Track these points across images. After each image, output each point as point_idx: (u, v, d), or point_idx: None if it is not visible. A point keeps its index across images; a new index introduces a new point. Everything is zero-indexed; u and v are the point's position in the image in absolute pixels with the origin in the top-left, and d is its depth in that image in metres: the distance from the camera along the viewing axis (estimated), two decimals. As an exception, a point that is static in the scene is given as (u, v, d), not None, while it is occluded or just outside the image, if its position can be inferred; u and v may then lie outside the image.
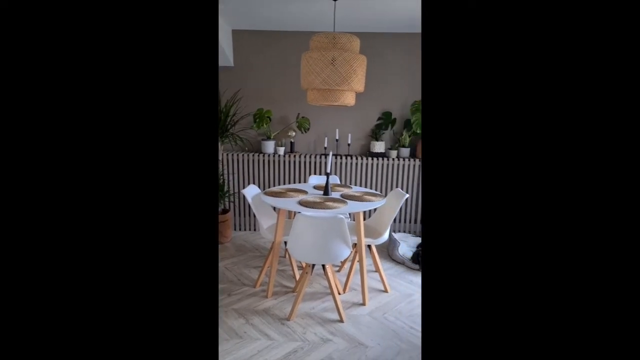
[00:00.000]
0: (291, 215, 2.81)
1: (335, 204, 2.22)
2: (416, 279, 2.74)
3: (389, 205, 2.55)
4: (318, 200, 2.31)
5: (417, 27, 3.38)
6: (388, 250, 3.22)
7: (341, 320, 2.12)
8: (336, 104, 2.31)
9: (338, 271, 2.82)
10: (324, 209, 2.13)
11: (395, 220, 3.68)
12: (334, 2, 2.63)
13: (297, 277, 2.57)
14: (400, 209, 3.64)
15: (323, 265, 2.17)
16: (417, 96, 3.66)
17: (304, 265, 2.54)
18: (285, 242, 2.37)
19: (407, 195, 2.47)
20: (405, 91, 3.68)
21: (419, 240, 3.37)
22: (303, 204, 2.20)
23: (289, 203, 2.23)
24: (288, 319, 2.13)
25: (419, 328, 2.09)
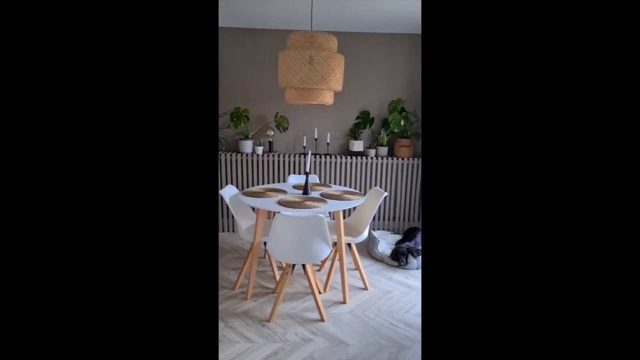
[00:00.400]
0: (270, 215, 2.78)
1: (315, 203, 2.22)
2: (395, 275, 2.78)
3: (368, 203, 2.57)
4: (297, 199, 2.29)
5: (394, 28, 3.43)
6: (367, 248, 3.25)
7: (322, 320, 2.12)
8: (314, 103, 2.31)
9: (318, 270, 2.82)
10: (303, 208, 2.12)
11: (374, 218, 3.72)
12: (310, 0, 2.62)
13: (277, 277, 2.54)
14: (379, 207, 3.68)
15: (303, 265, 2.16)
16: (395, 96, 3.71)
17: (284, 265, 2.52)
18: (265, 243, 2.34)
19: (386, 194, 2.50)
20: (383, 91, 3.72)
21: (397, 237, 3.42)
22: (282, 203, 2.18)
23: (268, 203, 2.21)
24: (268, 321, 2.11)
25: (399, 324, 2.12)
